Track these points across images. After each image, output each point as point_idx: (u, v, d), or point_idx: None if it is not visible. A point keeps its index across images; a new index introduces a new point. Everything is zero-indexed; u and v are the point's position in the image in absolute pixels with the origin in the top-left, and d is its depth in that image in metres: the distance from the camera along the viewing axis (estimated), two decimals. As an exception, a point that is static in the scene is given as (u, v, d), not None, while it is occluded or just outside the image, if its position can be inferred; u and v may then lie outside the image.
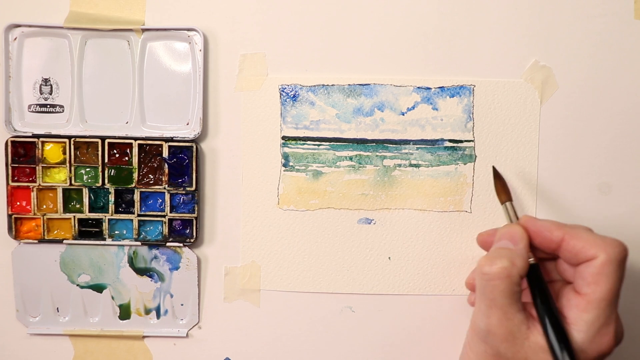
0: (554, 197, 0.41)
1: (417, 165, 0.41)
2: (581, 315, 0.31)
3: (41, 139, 0.40)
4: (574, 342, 0.31)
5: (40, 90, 0.41)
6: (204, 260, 0.42)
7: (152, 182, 0.41)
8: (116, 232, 0.41)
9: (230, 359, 0.43)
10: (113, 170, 0.41)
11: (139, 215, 0.41)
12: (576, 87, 0.41)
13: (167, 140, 0.41)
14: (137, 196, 0.41)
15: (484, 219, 0.41)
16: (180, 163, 0.41)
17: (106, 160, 0.41)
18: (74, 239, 0.41)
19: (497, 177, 0.39)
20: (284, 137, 0.41)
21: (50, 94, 0.41)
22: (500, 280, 0.31)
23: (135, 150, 0.41)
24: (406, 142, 0.41)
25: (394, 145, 0.41)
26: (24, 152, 0.41)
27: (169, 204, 0.41)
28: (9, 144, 0.40)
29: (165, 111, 0.41)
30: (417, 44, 0.41)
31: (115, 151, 0.41)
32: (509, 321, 0.31)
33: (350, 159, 0.41)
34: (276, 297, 0.42)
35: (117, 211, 0.41)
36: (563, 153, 0.41)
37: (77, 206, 0.41)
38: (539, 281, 0.33)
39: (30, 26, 0.40)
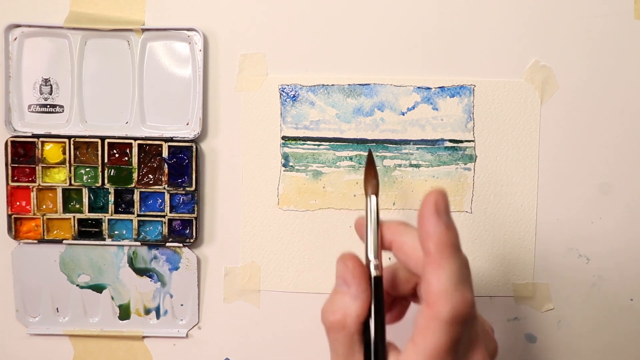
0: (554, 197, 0.41)
1: (417, 166, 0.41)
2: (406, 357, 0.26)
3: (41, 139, 0.40)
4: None
5: (40, 90, 0.41)
6: (204, 261, 0.42)
7: (151, 182, 0.41)
8: (116, 232, 0.41)
9: (230, 359, 0.43)
10: (113, 170, 0.41)
11: (138, 216, 0.41)
12: (576, 87, 0.41)
13: (167, 140, 0.40)
14: (136, 196, 0.41)
15: (484, 220, 0.41)
16: (180, 163, 0.41)
17: (106, 160, 0.41)
18: (74, 239, 0.41)
19: (371, 163, 0.32)
20: (284, 137, 0.41)
21: (50, 94, 0.41)
22: (336, 333, 0.28)
23: (135, 150, 0.41)
24: (406, 142, 0.41)
25: (394, 146, 0.41)
26: (24, 152, 0.41)
27: (168, 204, 0.41)
28: (9, 144, 0.40)
29: (165, 111, 0.41)
30: (417, 43, 0.41)
31: (115, 151, 0.41)
32: None
33: (350, 159, 0.41)
34: (276, 298, 0.42)
35: (116, 211, 0.41)
36: (563, 153, 0.41)
37: (77, 206, 0.41)
38: (375, 314, 0.28)
39: (30, 26, 0.40)
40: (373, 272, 0.29)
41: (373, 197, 0.30)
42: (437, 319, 0.25)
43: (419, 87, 0.41)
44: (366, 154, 0.41)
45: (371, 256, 0.29)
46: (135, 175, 0.41)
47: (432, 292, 0.26)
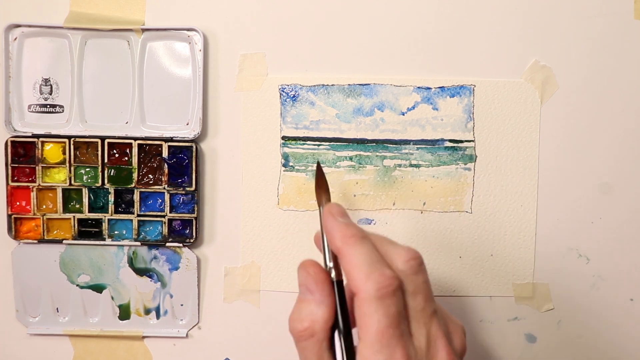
0: (554, 197, 0.41)
1: (417, 166, 0.41)
2: (359, 355, 0.27)
3: (41, 139, 0.40)
4: None
5: (40, 90, 0.41)
6: (204, 261, 0.42)
7: (151, 182, 0.41)
8: (116, 232, 0.41)
9: (230, 359, 0.43)
10: (113, 170, 0.41)
11: (138, 216, 0.41)
12: (576, 87, 0.41)
13: (166, 140, 0.40)
14: (136, 196, 0.41)
15: (484, 220, 0.41)
16: (180, 163, 0.41)
17: (106, 160, 0.41)
18: (74, 239, 0.41)
19: (321, 175, 0.34)
20: (284, 137, 0.41)
21: (50, 94, 0.41)
22: (306, 341, 0.28)
23: (135, 150, 0.41)
24: (406, 142, 0.41)
25: (394, 145, 0.41)
26: (24, 152, 0.41)
27: (168, 204, 0.41)
28: (9, 144, 0.40)
29: (165, 111, 0.41)
30: (418, 43, 0.41)
31: (115, 151, 0.41)
32: None
33: (350, 159, 0.41)
34: (276, 298, 0.42)
35: (116, 211, 0.41)
36: (563, 153, 0.41)
37: (77, 206, 0.41)
38: (339, 315, 0.28)
39: (30, 26, 0.40)
40: (333, 277, 0.29)
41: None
42: (367, 301, 0.26)
43: (419, 87, 0.41)
44: (366, 154, 0.41)
45: (329, 263, 0.29)
46: (135, 175, 0.41)
47: (353, 279, 0.27)
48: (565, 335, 0.42)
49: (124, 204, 0.41)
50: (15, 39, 0.40)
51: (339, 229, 0.29)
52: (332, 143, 0.41)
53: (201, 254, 0.42)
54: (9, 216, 0.41)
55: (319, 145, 0.41)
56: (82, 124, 0.41)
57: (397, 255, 0.28)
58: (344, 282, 0.29)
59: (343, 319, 0.28)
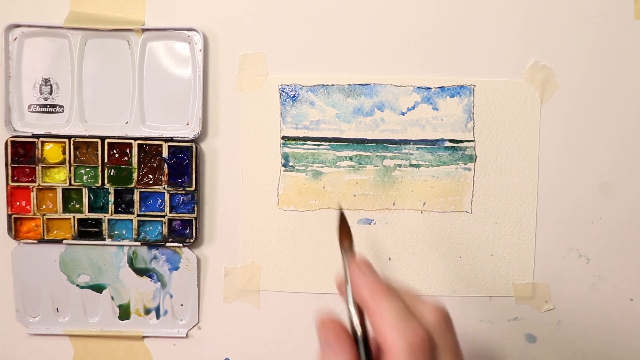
0: (554, 197, 0.41)
1: (417, 166, 0.41)
2: None
3: (41, 139, 0.40)
4: None
5: (40, 90, 0.41)
6: (204, 261, 0.42)
7: (151, 182, 0.41)
8: (116, 232, 0.41)
9: (230, 359, 0.43)
10: (113, 170, 0.41)
11: (138, 216, 0.41)
12: (576, 87, 0.41)
13: (166, 140, 0.40)
14: (136, 196, 0.41)
15: (484, 220, 0.41)
16: (180, 163, 0.41)
17: (106, 160, 0.41)
18: (74, 239, 0.41)
19: (343, 221, 0.33)
20: (283, 137, 0.41)
21: (50, 94, 0.41)
22: None
23: (135, 150, 0.41)
24: (406, 142, 0.41)
25: (394, 145, 0.41)
26: (24, 152, 0.40)
27: (168, 204, 0.41)
28: (9, 144, 0.40)
29: (165, 111, 0.41)
30: (418, 43, 0.41)
31: (115, 151, 0.41)
32: None
33: (350, 159, 0.41)
34: (276, 298, 0.42)
35: (116, 211, 0.41)
36: (563, 153, 0.41)
37: (77, 206, 0.41)
38: None
39: (30, 26, 0.40)
40: (358, 331, 0.28)
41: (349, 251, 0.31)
42: (398, 358, 0.25)
43: (419, 87, 0.41)
44: (366, 154, 0.41)
45: (354, 319, 0.28)
46: (135, 175, 0.41)
47: (382, 334, 0.26)
48: (565, 335, 0.42)
49: (124, 204, 0.41)
50: (15, 39, 0.40)
51: (367, 283, 0.28)
52: (332, 143, 0.41)
53: (201, 254, 0.42)
54: (9, 216, 0.41)
55: (319, 145, 0.41)
56: (82, 124, 0.41)
57: (426, 311, 0.28)
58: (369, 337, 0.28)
59: None
